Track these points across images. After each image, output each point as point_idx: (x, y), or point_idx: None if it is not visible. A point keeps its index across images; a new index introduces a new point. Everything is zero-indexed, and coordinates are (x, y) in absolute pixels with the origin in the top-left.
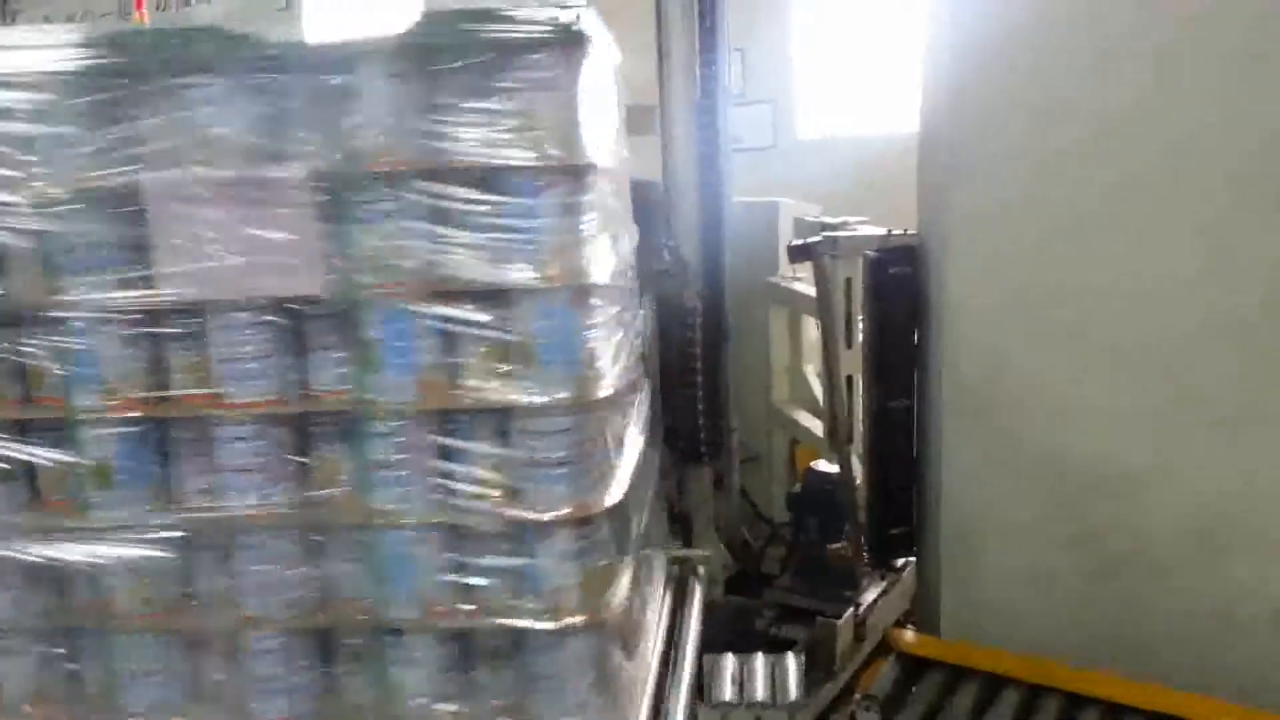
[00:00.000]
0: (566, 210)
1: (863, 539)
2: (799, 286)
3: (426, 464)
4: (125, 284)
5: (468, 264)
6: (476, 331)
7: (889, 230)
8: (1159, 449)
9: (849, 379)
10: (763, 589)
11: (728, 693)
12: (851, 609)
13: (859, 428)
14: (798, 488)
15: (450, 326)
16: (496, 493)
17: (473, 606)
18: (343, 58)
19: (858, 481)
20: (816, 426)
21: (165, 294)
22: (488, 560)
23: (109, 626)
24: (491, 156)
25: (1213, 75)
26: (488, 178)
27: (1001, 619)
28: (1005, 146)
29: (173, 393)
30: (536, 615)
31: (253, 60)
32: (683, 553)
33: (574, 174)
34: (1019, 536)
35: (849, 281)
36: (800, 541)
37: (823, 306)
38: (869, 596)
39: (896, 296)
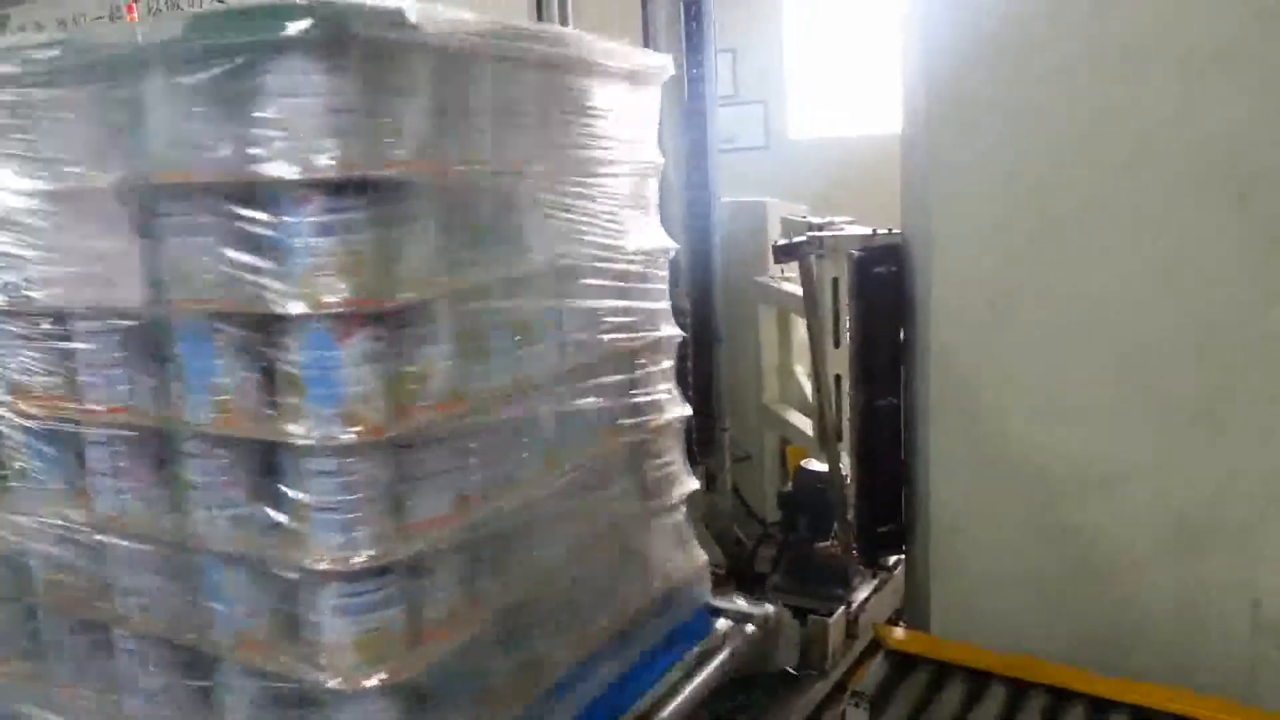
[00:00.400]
0: (326, 230)
1: (851, 537)
2: (788, 286)
3: (229, 492)
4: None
5: (239, 286)
6: (264, 360)
7: (874, 230)
8: (1138, 447)
9: (837, 378)
10: (755, 588)
11: None
12: (843, 607)
13: (848, 427)
14: (788, 487)
15: (243, 353)
16: (287, 532)
17: (276, 647)
18: (127, 64)
19: (847, 480)
20: (807, 426)
21: (34, 300)
22: (286, 604)
23: (29, 601)
24: (252, 169)
25: (1179, 76)
26: (263, 193)
27: (990, 616)
28: (982, 147)
29: (41, 396)
30: (319, 670)
31: (76, 68)
32: (738, 606)
33: (347, 189)
34: (1005, 534)
35: (836, 281)
36: (791, 540)
37: (809, 306)
38: (861, 594)
39: (881, 296)
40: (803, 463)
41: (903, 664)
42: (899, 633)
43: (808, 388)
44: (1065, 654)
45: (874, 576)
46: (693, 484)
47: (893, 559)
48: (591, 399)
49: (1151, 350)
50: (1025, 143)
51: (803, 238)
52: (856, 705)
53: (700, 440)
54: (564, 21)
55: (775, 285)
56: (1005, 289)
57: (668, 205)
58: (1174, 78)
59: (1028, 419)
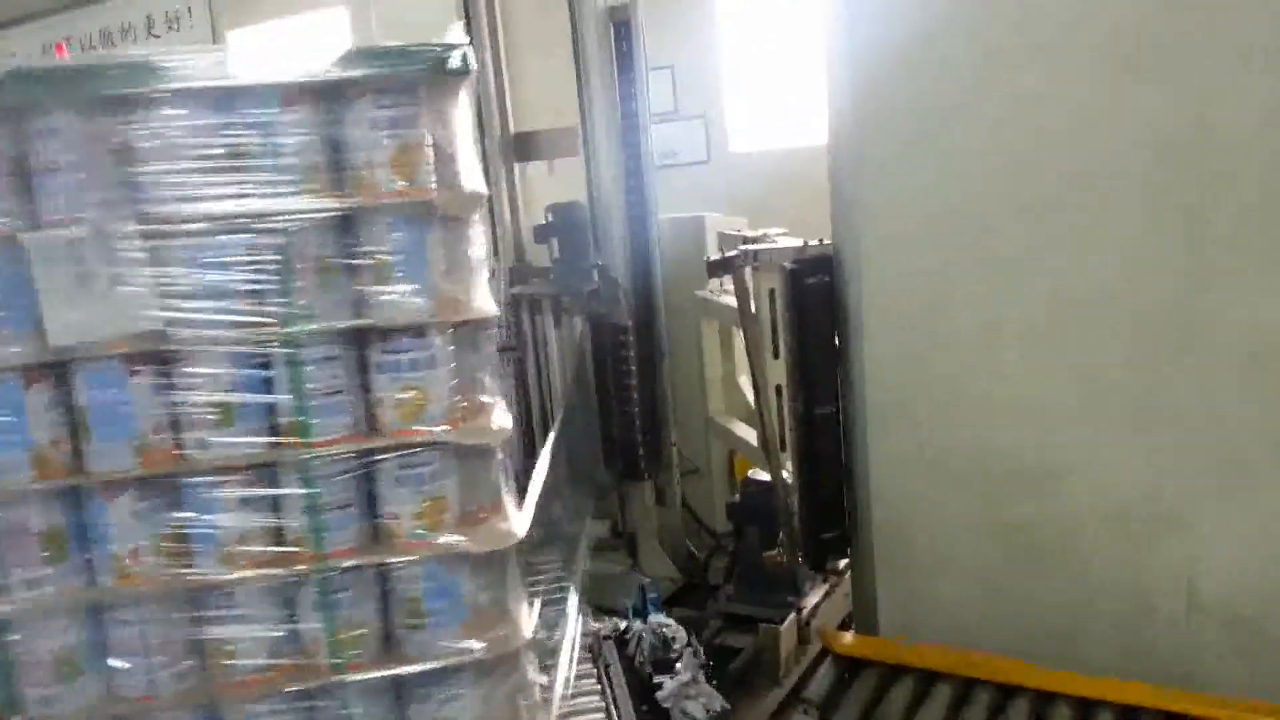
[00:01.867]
0: None
1: (797, 544)
2: (728, 300)
3: None
4: None
5: None
6: None
7: (805, 241)
8: (1073, 442)
9: (778, 388)
10: (708, 600)
11: None
12: (794, 614)
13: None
14: (737, 498)
15: None
16: None
17: None
18: None
19: (791, 488)
20: (752, 436)
21: None
22: None
23: None
24: None
25: (1098, 74)
26: None
27: (937, 614)
28: (908, 153)
29: None
30: None
31: None
32: None
33: None
34: (948, 532)
35: (772, 293)
36: (741, 551)
37: (744, 318)
38: (811, 600)
39: (815, 306)
40: (750, 473)
41: (850, 668)
42: (846, 637)
43: (752, 398)
44: (1014, 647)
45: (825, 582)
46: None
47: (843, 563)
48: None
49: (1084, 347)
50: (950, 148)
51: (735, 252)
52: (805, 713)
53: (648, 455)
54: (495, 48)
55: (715, 299)
56: (937, 293)
57: (606, 223)
58: (1093, 75)
59: (966, 419)
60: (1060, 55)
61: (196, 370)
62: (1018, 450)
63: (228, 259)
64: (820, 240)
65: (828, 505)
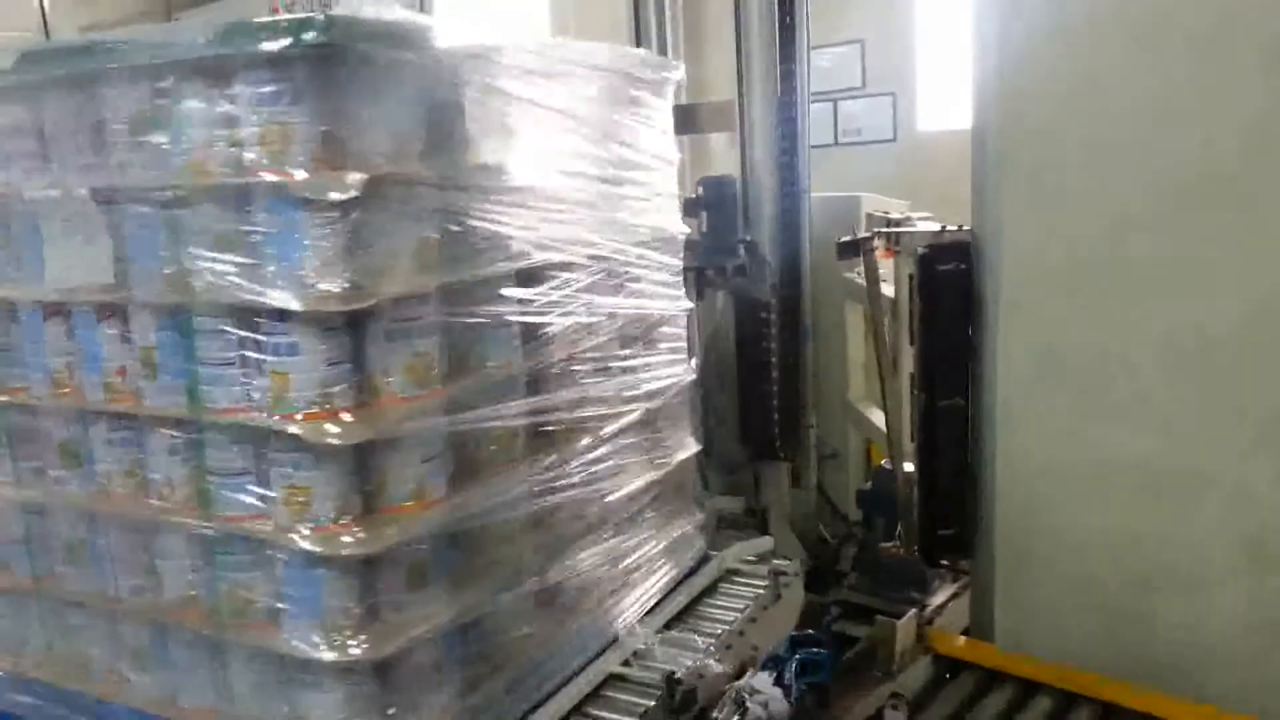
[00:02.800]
0: None
1: (913, 538)
2: None
3: None
4: None
5: None
6: None
7: (943, 226)
8: (1216, 455)
9: (911, 376)
10: (831, 586)
11: None
12: (914, 610)
13: None
14: (868, 485)
15: None
16: None
17: None
18: None
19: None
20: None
21: None
22: None
23: None
24: None
25: (1260, 67)
26: None
27: (1055, 625)
28: (1051, 144)
29: None
30: None
31: None
32: None
33: None
34: (1072, 541)
35: (911, 278)
36: (867, 539)
37: (871, 302)
38: (937, 599)
39: (948, 294)
40: (883, 462)
41: (951, 669)
42: (948, 636)
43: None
44: (1130, 670)
45: (954, 582)
46: None
47: None
48: None
49: (1234, 355)
50: (1095, 141)
51: (865, 234)
52: (894, 707)
53: (784, 435)
54: (660, 20)
55: (861, 281)
56: (1078, 288)
57: (757, 200)
58: (1255, 69)
59: (1100, 423)
60: (1221, 48)
61: (133, 326)
62: (1152, 459)
63: (146, 227)
64: (959, 226)
65: (947, 501)
